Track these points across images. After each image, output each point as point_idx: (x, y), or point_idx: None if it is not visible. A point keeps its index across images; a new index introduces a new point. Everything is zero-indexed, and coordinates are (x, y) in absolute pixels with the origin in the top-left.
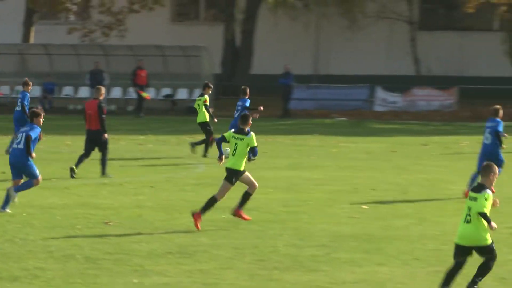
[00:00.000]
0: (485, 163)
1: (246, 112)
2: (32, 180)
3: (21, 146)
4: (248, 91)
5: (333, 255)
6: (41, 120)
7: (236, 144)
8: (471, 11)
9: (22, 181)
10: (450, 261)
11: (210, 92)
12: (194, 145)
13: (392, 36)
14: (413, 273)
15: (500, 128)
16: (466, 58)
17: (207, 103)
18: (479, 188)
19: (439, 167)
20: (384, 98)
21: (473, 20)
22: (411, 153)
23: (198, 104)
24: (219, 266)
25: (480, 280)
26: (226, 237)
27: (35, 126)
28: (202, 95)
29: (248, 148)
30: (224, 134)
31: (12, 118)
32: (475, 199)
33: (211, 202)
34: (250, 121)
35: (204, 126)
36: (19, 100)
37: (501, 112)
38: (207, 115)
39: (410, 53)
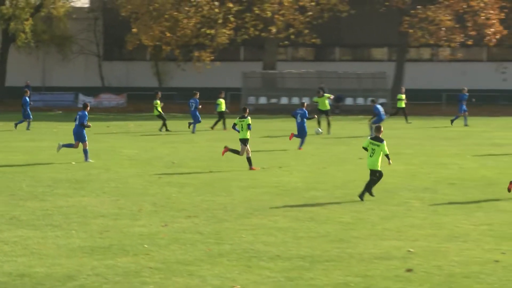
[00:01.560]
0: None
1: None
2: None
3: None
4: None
5: (55, 191)
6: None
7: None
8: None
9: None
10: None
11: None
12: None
13: (88, 63)
14: (102, 201)
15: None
16: (131, 76)
17: None
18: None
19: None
20: (83, 100)
21: (135, 54)
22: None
23: None
24: None
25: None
26: None
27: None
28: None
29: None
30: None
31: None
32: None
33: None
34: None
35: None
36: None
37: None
38: None
39: (98, 74)
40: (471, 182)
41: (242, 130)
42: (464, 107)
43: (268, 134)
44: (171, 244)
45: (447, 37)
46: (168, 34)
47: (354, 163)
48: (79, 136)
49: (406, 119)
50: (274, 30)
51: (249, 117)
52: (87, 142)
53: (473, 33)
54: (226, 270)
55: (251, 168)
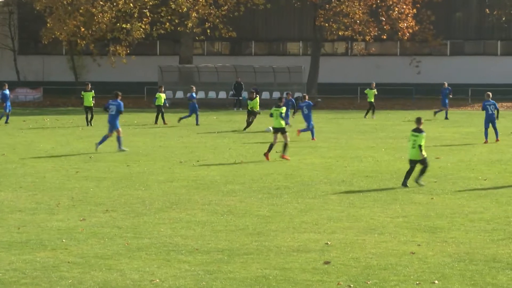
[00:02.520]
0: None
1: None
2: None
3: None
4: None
5: None
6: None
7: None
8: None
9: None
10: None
11: None
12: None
13: (3, 57)
14: (19, 196)
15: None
16: (48, 70)
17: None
18: None
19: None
20: None
21: (50, 48)
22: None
23: None
24: None
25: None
26: None
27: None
28: None
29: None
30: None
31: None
32: None
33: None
34: None
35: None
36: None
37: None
38: None
39: (14, 68)
40: (386, 175)
41: (276, 119)
42: (447, 101)
43: (187, 128)
44: (89, 239)
45: (362, 31)
46: (82, 29)
47: (272, 156)
48: (113, 124)
49: (369, 113)
50: (190, 24)
51: (284, 107)
52: (120, 129)
53: (386, 27)
54: (145, 264)
55: (283, 156)
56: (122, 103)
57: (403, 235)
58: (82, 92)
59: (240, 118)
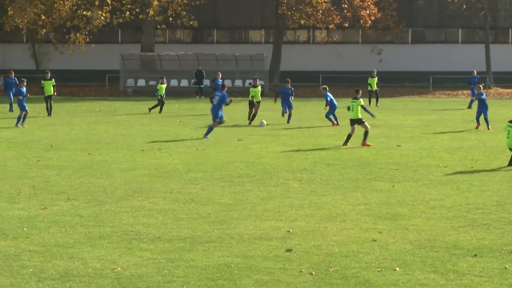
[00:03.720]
0: None
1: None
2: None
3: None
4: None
5: None
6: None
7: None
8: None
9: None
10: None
11: None
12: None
13: None
14: None
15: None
16: (8, 58)
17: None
18: None
19: None
20: None
21: (11, 36)
22: None
23: None
24: None
25: None
26: None
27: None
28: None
29: None
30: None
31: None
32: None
33: None
34: None
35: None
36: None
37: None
38: None
39: None
40: (348, 163)
41: (353, 111)
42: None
43: (148, 116)
44: (50, 227)
45: (325, 19)
46: (43, 17)
47: (233, 144)
48: (215, 114)
49: (377, 102)
50: (151, 12)
51: (361, 99)
52: (224, 119)
53: (349, 15)
54: (107, 252)
55: (364, 144)
56: (226, 95)
57: (365, 222)
58: (42, 81)
59: (202, 106)
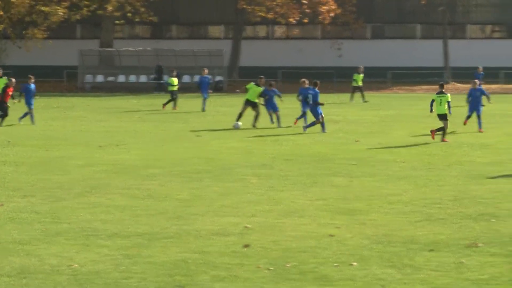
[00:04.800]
0: None
1: None
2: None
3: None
4: None
5: None
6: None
7: None
8: None
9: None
10: None
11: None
12: None
13: None
14: None
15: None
16: None
17: None
18: None
19: None
20: None
21: None
22: None
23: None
24: None
25: None
26: None
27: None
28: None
29: None
30: None
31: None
32: None
33: None
34: None
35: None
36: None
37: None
38: None
39: None
40: (306, 158)
41: (440, 106)
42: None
43: (106, 112)
44: (7, 224)
45: (284, 14)
46: (1, 12)
47: (192, 140)
48: (315, 113)
49: (354, 97)
50: (110, 8)
51: (449, 94)
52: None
53: (308, 10)
54: (64, 249)
55: (443, 140)
56: (318, 92)
57: (323, 217)
58: None
59: (161, 101)
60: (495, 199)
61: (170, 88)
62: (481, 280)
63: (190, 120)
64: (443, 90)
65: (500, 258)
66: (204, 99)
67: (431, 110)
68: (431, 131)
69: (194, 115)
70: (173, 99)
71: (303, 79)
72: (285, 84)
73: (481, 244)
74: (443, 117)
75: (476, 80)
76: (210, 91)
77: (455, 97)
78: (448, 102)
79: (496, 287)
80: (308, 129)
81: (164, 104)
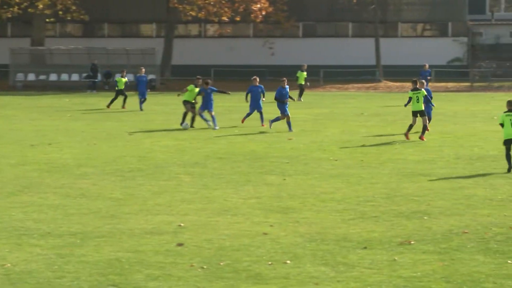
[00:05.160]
0: None
1: None
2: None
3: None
4: None
5: None
6: None
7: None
8: None
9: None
10: None
11: None
12: None
13: None
14: None
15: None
16: None
17: None
18: None
19: None
20: None
21: None
22: None
23: None
24: None
25: None
26: None
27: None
28: None
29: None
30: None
31: None
32: None
33: None
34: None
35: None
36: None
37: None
38: None
39: None
40: (239, 156)
41: (417, 103)
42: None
43: (38, 110)
44: None
45: (217, 12)
46: None
47: (124, 139)
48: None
49: (300, 96)
50: (40, 6)
51: (423, 89)
52: None
53: (240, 9)
54: None
55: (421, 137)
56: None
57: (256, 216)
58: None
59: (93, 101)
60: (427, 197)
61: (118, 87)
62: (413, 277)
63: (123, 119)
64: (417, 86)
65: (432, 255)
66: (141, 99)
67: (406, 105)
68: (405, 134)
69: (127, 114)
70: (116, 98)
71: (254, 77)
72: (217, 82)
73: (413, 241)
74: (420, 113)
75: (423, 80)
76: (148, 90)
77: (387, 95)
78: (425, 96)
79: (429, 284)
80: (243, 126)
81: (108, 105)
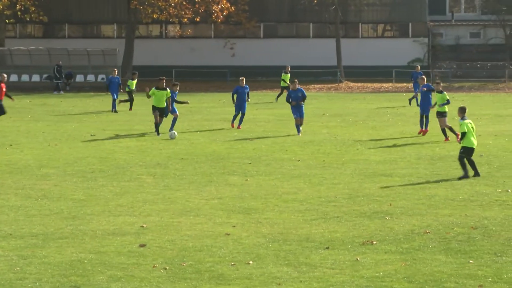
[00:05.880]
0: None
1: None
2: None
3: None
4: None
5: None
6: None
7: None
8: None
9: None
10: None
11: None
12: None
13: None
14: None
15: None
16: None
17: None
18: None
19: None
20: None
21: None
22: None
23: None
24: None
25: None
26: None
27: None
28: None
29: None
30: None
31: None
32: None
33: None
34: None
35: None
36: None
37: None
38: None
39: None
40: (201, 157)
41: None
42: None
43: None
44: None
45: (177, 13)
46: None
47: (86, 139)
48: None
49: (277, 97)
50: (0, 6)
51: (445, 92)
52: None
53: (201, 10)
54: None
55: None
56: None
57: (218, 216)
58: None
59: (54, 101)
60: (388, 197)
61: (130, 89)
62: (376, 277)
63: (84, 120)
64: (441, 89)
65: (394, 255)
66: (114, 100)
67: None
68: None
69: (88, 115)
70: (132, 98)
71: (241, 78)
72: (182, 83)
73: (375, 241)
74: (438, 114)
75: (423, 76)
76: (121, 90)
77: (348, 95)
78: (447, 100)
79: (391, 284)
80: (204, 128)
81: (123, 104)
